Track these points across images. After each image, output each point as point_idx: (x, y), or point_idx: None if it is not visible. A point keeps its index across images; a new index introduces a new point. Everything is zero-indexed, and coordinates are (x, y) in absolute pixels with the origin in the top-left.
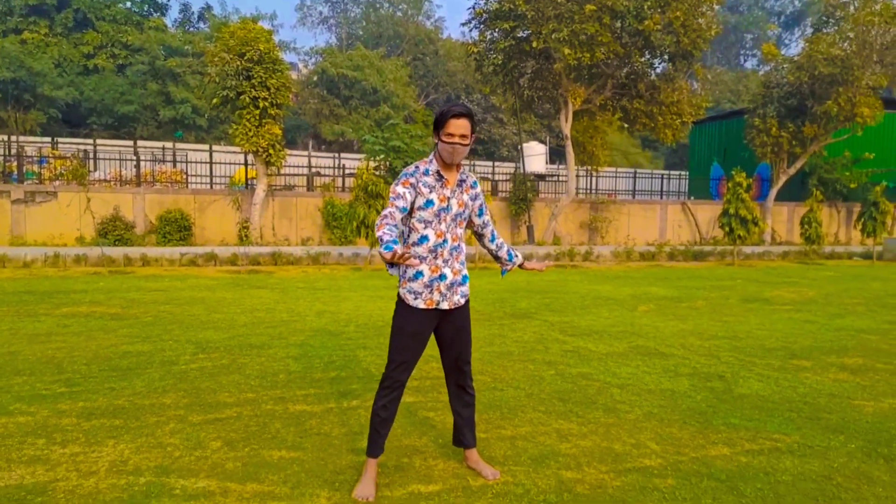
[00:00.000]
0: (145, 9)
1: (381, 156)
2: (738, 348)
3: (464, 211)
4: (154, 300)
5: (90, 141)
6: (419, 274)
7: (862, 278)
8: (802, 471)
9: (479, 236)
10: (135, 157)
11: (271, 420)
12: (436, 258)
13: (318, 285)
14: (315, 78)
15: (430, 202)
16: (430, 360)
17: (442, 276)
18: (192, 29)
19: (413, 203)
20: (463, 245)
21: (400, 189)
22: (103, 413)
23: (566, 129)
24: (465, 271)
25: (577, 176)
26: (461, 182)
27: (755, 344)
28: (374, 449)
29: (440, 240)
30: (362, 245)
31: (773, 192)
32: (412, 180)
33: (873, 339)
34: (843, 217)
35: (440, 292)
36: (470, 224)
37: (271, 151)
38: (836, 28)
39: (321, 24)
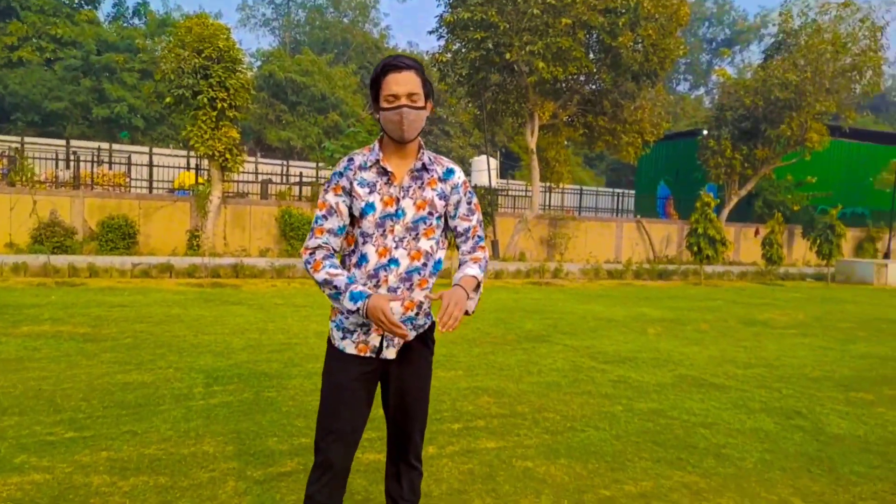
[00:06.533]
0: (76, 1)
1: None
2: (783, 378)
3: (429, 215)
4: (123, 317)
5: (17, 138)
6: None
7: (832, 301)
8: None
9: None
10: (74, 157)
11: (351, 476)
12: (377, 287)
13: (296, 301)
14: (259, 82)
15: (369, 206)
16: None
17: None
18: (126, 24)
19: (351, 210)
20: (433, 265)
21: (331, 199)
22: (137, 468)
23: (531, 143)
24: (428, 304)
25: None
26: (419, 172)
27: (795, 373)
28: None
29: (383, 260)
30: None
31: (725, 213)
32: (344, 182)
33: None
34: (786, 238)
35: (380, 333)
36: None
37: (228, 156)
38: (788, 54)
39: (264, 27)
